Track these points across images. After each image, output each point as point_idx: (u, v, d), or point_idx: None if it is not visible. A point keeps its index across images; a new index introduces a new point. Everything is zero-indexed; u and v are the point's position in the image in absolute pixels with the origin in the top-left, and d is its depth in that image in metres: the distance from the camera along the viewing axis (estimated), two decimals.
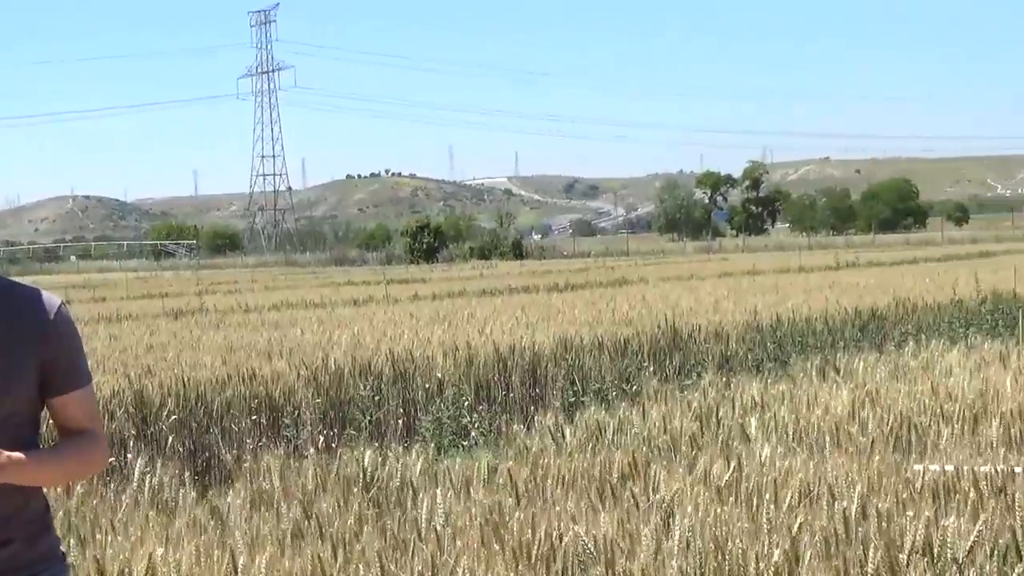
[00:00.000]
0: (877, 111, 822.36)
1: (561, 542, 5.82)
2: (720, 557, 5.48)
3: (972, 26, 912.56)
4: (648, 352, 15.43)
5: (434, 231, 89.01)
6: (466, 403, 13.06)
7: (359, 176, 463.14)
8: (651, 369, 14.68)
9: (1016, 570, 5.55)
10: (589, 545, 5.76)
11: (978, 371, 11.79)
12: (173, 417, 11.61)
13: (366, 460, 8.10)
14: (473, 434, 12.56)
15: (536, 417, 10.54)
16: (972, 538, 5.60)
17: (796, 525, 5.86)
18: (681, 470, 7.50)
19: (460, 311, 20.72)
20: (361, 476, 7.94)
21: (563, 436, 9.57)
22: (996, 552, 5.65)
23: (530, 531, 5.87)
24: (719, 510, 6.23)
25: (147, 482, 8.23)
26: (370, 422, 12.67)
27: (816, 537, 5.83)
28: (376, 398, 13.06)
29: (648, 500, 6.85)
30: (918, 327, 17.93)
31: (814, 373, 12.24)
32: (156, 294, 35.45)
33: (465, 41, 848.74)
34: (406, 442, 10.61)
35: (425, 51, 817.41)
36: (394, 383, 13.38)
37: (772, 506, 6.23)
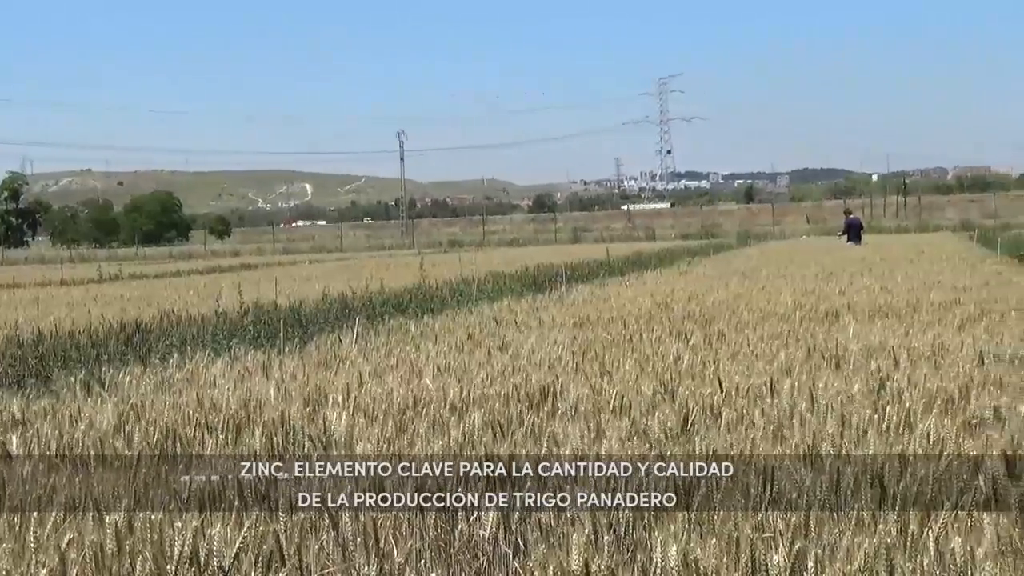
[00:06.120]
0: (140, 123, 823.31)
1: None
2: None
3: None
4: None
5: None
6: None
7: None
8: None
9: (280, 574, 5.73)
10: None
11: (242, 381, 12.07)
12: None
13: None
14: None
15: None
16: (238, 545, 5.74)
17: (64, 542, 5.75)
18: None
19: None
20: None
21: None
22: (260, 558, 5.81)
23: None
24: None
25: None
26: None
27: (85, 553, 5.75)
28: None
29: None
30: (183, 339, 18.06)
31: (79, 388, 12.06)
32: None
33: None
34: None
35: None
36: None
37: (37, 524, 6.08)
